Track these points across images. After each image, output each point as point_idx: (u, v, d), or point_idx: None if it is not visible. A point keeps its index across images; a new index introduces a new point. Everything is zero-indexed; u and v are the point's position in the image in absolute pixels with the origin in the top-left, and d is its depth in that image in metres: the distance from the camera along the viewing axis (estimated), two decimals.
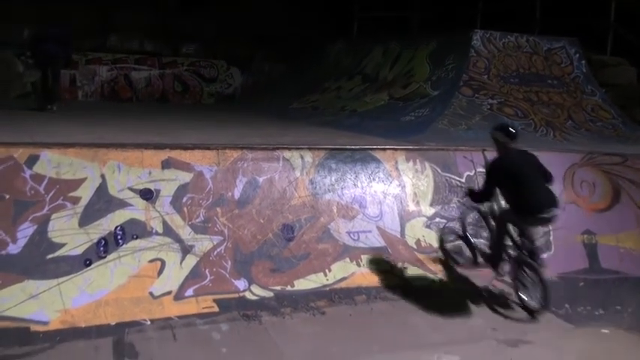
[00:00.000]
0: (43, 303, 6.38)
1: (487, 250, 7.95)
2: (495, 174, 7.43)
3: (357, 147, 8.91)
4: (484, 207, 7.88)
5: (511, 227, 7.56)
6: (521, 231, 7.51)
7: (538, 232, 7.89)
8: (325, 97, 16.07)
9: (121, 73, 18.92)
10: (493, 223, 7.80)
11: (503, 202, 7.62)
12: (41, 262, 6.59)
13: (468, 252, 8.18)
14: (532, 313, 7.40)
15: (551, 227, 8.62)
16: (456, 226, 8.52)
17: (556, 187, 9.39)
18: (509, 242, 7.63)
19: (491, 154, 9.27)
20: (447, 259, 8.32)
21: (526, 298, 7.54)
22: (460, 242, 8.30)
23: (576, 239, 9.13)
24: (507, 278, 7.98)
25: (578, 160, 9.78)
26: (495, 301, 7.79)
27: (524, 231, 7.49)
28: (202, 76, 19.63)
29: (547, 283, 7.28)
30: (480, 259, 8.00)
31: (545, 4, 16.01)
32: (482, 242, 8.15)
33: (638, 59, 14.89)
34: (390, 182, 8.73)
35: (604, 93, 14.04)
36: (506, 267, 7.78)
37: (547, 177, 7.50)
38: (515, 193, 7.21)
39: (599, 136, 12.59)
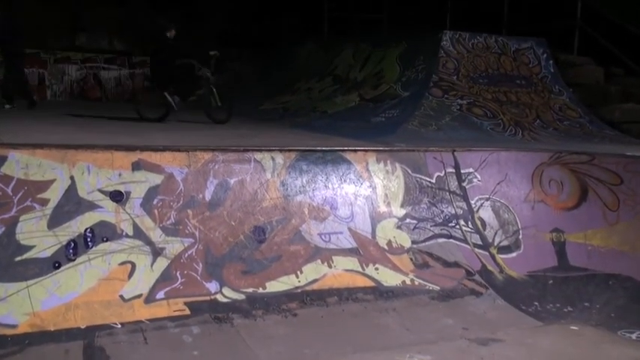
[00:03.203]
0: (12, 306, 6.28)
1: None
2: None
3: (328, 148, 8.91)
4: None
5: None
6: None
7: None
8: (296, 98, 16.09)
9: (90, 72, 18.76)
10: None
11: None
12: (9, 264, 6.49)
13: None
14: None
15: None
16: None
17: (524, 186, 9.58)
18: None
19: (461, 155, 9.41)
20: None
21: None
22: None
23: (545, 237, 9.24)
24: (477, 277, 8.08)
25: (546, 159, 9.90)
26: None
27: None
28: None
29: None
30: None
31: (513, 3, 16.17)
32: None
33: (604, 58, 15.12)
34: (361, 183, 8.75)
35: (571, 92, 14.25)
36: None
37: None
38: None
39: (566, 134, 12.77)
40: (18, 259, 6.55)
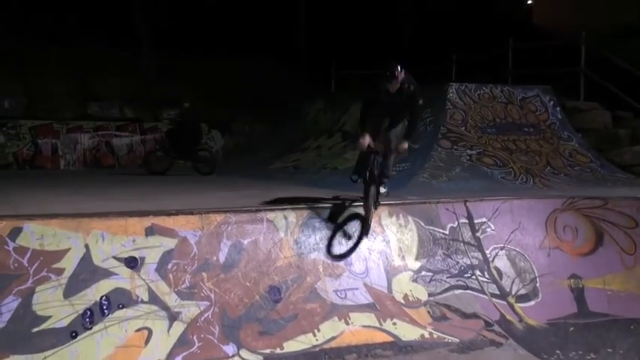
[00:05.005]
0: None
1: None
2: None
3: (340, 203, 8.94)
4: None
5: None
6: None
7: None
8: (306, 155, 16.21)
9: (102, 140, 19.02)
10: None
11: None
12: (26, 336, 6.49)
13: None
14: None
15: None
16: None
17: (539, 233, 9.54)
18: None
19: (474, 205, 9.39)
20: None
21: None
22: None
23: (563, 284, 9.16)
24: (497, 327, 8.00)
25: (559, 206, 9.87)
26: None
27: None
28: None
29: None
30: None
31: (517, 52, 16.34)
32: None
33: (612, 102, 15.17)
34: (375, 238, 8.74)
35: (580, 137, 14.27)
36: None
37: None
38: None
39: (578, 180, 12.74)
40: (35, 330, 6.56)
